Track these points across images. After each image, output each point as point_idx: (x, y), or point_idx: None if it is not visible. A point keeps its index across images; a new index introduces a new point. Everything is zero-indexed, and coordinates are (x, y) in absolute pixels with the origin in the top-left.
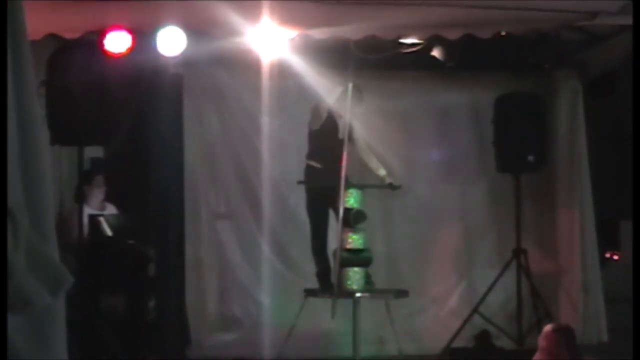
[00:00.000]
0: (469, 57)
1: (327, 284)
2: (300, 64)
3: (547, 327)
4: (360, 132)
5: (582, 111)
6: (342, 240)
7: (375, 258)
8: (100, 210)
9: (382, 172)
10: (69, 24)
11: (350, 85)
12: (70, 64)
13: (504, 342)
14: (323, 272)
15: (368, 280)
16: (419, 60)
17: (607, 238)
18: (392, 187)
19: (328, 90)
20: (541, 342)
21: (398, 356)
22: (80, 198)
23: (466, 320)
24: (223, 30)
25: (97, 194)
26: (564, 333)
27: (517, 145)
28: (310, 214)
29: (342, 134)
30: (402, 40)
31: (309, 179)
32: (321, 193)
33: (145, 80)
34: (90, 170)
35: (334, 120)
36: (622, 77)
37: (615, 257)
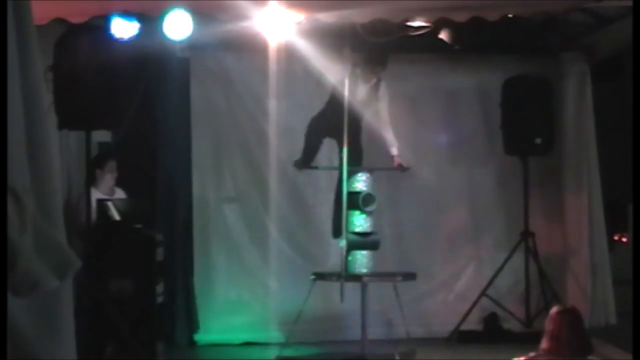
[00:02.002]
0: (477, 40)
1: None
2: (307, 48)
3: (553, 310)
4: (386, 95)
5: (590, 94)
6: (350, 224)
7: (383, 241)
8: (110, 195)
9: (394, 150)
10: (76, 9)
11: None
12: (77, 48)
13: (512, 325)
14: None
15: None
16: (426, 43)
17: (615, 220)
18: (401, 168)
19: (337, 71)
20: (547, 325)
21: (406, 339)
22: (90, 182)
23: (474, 303)
24: (230, 14)
25: (108, 179)
26: (570, 315)
27: (525, 128)
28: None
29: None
30: (410, 23)
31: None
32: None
33: (152, 64)
34: (103, 154)
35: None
36: (630, 60)
37: (624, 240)
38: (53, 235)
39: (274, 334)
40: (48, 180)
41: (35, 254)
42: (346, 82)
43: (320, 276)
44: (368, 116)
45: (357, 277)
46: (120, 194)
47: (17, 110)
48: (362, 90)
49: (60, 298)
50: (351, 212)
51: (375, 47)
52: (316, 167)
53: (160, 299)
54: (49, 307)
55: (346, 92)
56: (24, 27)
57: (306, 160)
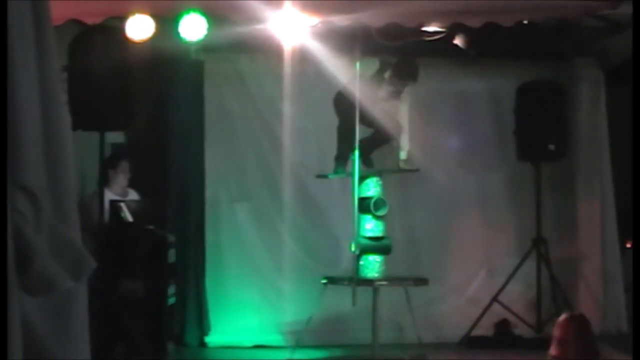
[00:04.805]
0: (491, 45)
1: (341, 166)
2: (321, 51)
3: (561, 317)
4: (407, 99)
5: (604, 99)
6: (362, 228)
7: (394, 246)
8: (123, 195)
9: (402, 155)
10: (91, 9)
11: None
12: (92, 49)
13: (523, 331)
14: (342, 156)
15: None
16: (440, 47)
17: (628, 227)
18: (407, 170)
19: (352, 75)
20: (555, 331)
21: (417, 344)
22: (103, 183)
23: (486, 309)
24: (245, 16)
25: (121, 180)
26: (578, 322)
27: (538, 134)
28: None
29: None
30: (424, 28)
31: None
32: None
33: (166, 66)
34: (116, 155)
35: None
36: None
37: None
38: (68, 236)
39: (285, 337)
40: (63, 180)
41: (51, 254)
42: (357, 85)
43: (331, 280)
44: (386, 118)
45: (368, 282)
46: (133, 194)
47: (34, 110)
48: (385, 92)
49: (75, 298)
50: (362, 216)
51: (408, 57)
52: (325, 176)
53: (171, 300)
54: (64, 308)
55: (357, 94)
56: (42, 26)
57: (343, 156)
